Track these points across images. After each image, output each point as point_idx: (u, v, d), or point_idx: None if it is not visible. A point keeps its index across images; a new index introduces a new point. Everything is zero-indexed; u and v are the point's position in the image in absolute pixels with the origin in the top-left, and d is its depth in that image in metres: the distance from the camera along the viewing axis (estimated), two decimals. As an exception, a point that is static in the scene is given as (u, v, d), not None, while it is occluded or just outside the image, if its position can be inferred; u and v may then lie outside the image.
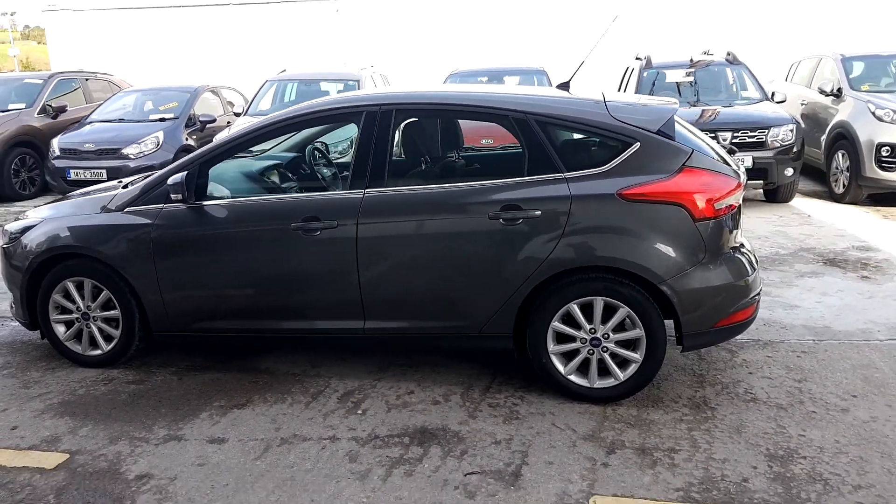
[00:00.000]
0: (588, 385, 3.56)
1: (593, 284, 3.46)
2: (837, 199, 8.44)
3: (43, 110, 10.08)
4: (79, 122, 9.84)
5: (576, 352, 3.55)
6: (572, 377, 3.56)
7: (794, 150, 7.90)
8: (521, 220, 3.45)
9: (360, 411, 3.54)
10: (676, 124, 3.82)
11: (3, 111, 9.84)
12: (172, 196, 3.70)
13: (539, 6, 13.98)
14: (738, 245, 3.58)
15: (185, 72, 13.63)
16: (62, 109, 10.20)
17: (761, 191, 8.44)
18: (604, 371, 3.54)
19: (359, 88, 9.54)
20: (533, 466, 3.02)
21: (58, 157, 9.02)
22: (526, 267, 3.47)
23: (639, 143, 3.46)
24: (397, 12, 14.04)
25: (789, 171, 7.91)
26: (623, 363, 3.52)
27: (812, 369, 3.91)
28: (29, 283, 4.06)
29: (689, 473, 2.94)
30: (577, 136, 3.71)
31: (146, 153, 8.93)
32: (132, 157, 8.86)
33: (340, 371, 3.99)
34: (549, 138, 3.54)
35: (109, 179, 8.68)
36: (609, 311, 3.48)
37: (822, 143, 8.90)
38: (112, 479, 2.98)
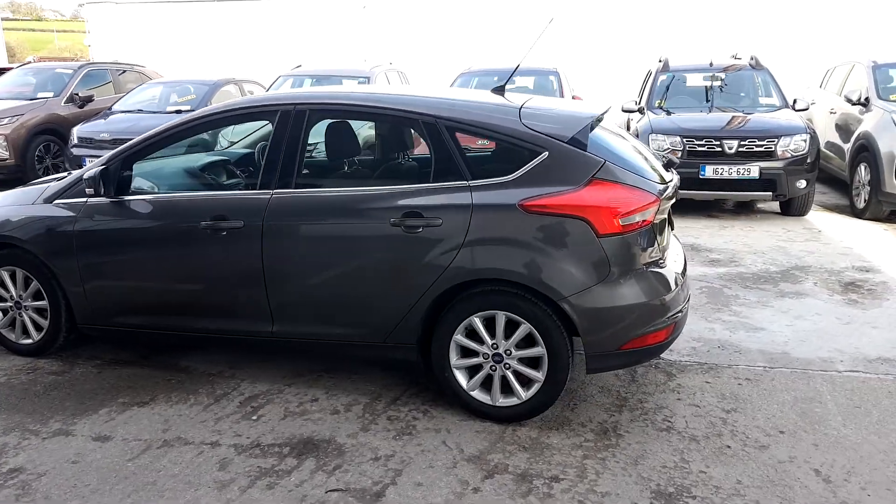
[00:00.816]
0: (490, 403, 3.39)
1: (495, 298, 3.29)
2: (858, 214, 7.90)
3: (70, 99, 10.43)
4: (102, 112, 10.13)
5: (479, 367, 3.39)
6: (475, 393, 3.40)
7: (808, 161, 7.43)
8: (421, 229, 3.30)
9: (255, 417, 3.47)
10: (606, 132, 3.62)
11: (32, 99, 10.23)
12: (87, 190, 3.71)
13: (560, 5, 13.67)
14: (655, 260, 3.33)
15: (219, 65, 13.86)
16: (89, 99, 10.53)
17: (778, 204, 7.98)
18: (508, 389, 3.37)
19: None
20: (401, 487, 2.88)
21: (76, 146, 9.29)
22: (427, 277, 3.32)
23: (547, 153, 3.27)
24: (422, 10, 13.97)
25: (801, 184, 7.44)
26: (527, 382, 3.34)
27: (748, 399, 3.62)
28: (-39, 270, 4.16)
29: (561, 506, 2.75)
30: (498, 143, 3.53)
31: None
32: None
33: (255, 374, 3.93)
34: (456, 144, 3.39)
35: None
36: (512, 327, 3.30)
37: (846, 155, 8.36)
38: (-14, 470, 3.01)
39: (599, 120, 3.67)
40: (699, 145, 7.53)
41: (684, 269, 3.77)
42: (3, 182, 8.64)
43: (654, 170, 3.57)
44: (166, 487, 2.88)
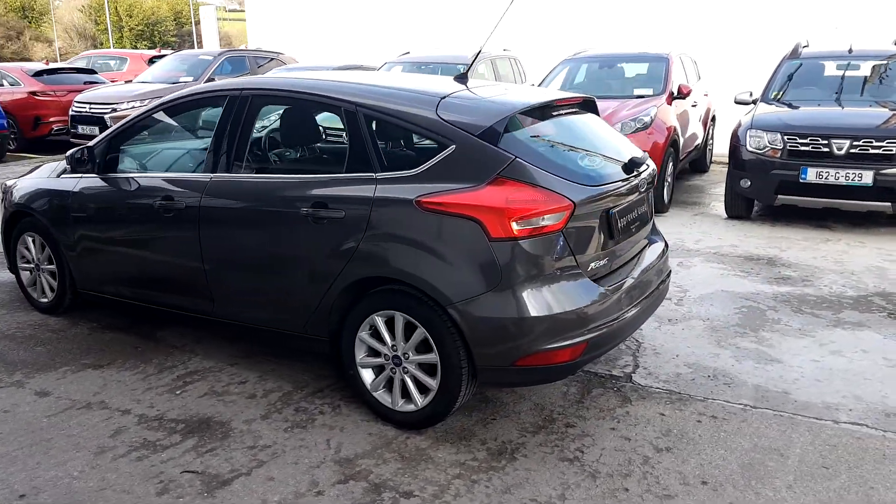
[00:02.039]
0: (391, 406, 3.27)
1: (395, 298, 3.16)
2: None
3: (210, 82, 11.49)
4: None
5: (383, 367, 3.28)
6: (379, 394, 3.30)
7: (943, 167, 6.22)
8: (325, 220, 3.25)
9: (179, 392, 3.64)
10: (557, 124, 3.34)
11: (174, 83, 11.41)
12: (67, 166, 4.09)
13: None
14: (566, 269, 2.99)
15: (370, 49, 14.33)
16: (221, 86, 11.53)
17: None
18: (409, 393, 3.23)
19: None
20: (252, 479, 2.88)
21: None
22: (331, 269, 3.27)
23: (454, 146, 3.06)
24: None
25: (931, 194, 6.26)
26: (425, 389, 3.18)
27: (694, 440, 3.15)
28: (4, 233, 4.78)
29: (392, 524, 2.60)
30: (401, 132, 3.36)
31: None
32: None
33: (211, 351, 4.11)
34: (371, 133, 3.28)
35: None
36: (412, 329, 3.15)
37: None
38: (-60, 409, 3.46)
39: (546, 109, 3.37)
40: (802, 144, 6.59)
41: (651, 275, 3.39)
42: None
43: (599, 170, 3.22)
44: (54, 446, 3.12)
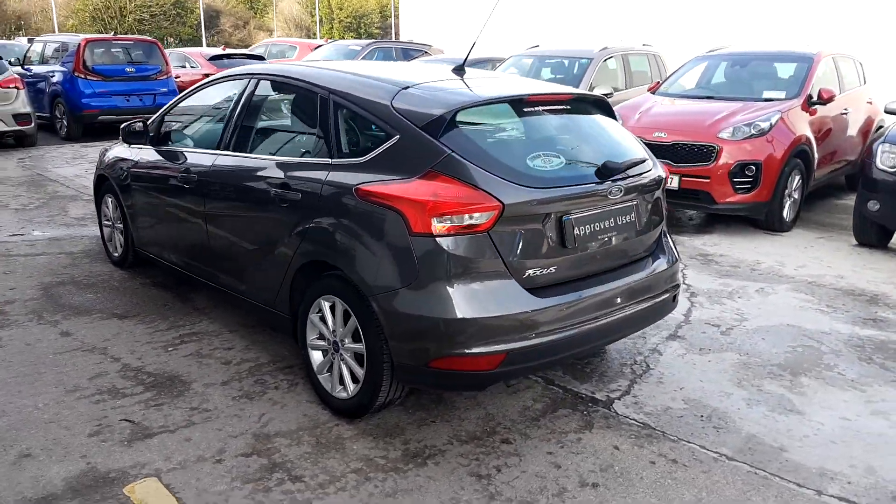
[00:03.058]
0: (329, 390, 3.30)
1: (335, 284, 3.17)
2: None
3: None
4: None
5: (328, 352, 3.31)
6: (323, 377, 3.34)
7: None
8: (287, 202, 3.34)
9: (171, 349, 3.94)
10: (530, 117, 3.18)
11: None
12: (120, 137, 4.56)
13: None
14: (494, 272, 2.80)
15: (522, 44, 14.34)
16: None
17: None
18: (355, 380, 3.22)
19: (587, 68, 9.08)
20: (173, 436, 3.05)
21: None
22: (288, 250, 3.36)
23: (398, 137, 2.99)
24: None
25: None
26: (357, 379, 3.16)
27: (631, 482, 2.83)
28: (95, 193, 5.44)
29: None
30: (360, 121, 3.30)
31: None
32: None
33: (221, 317, 4.39)
34: (336, 120, 3.30)
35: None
36: (348, 317, 3.14)
37: None
38: (-14, 335, 4.06)
39: (519, 103, 3.18)
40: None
41: (624, 292, 3.14)
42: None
43: (555, 172, 2.98)
44: (41, 379, 3.54)
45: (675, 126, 6.91)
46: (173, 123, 4.57)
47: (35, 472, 2.79)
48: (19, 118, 10.20)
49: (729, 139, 6.55)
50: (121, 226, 5.11)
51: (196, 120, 4.47)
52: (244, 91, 3.89)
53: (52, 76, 11.62)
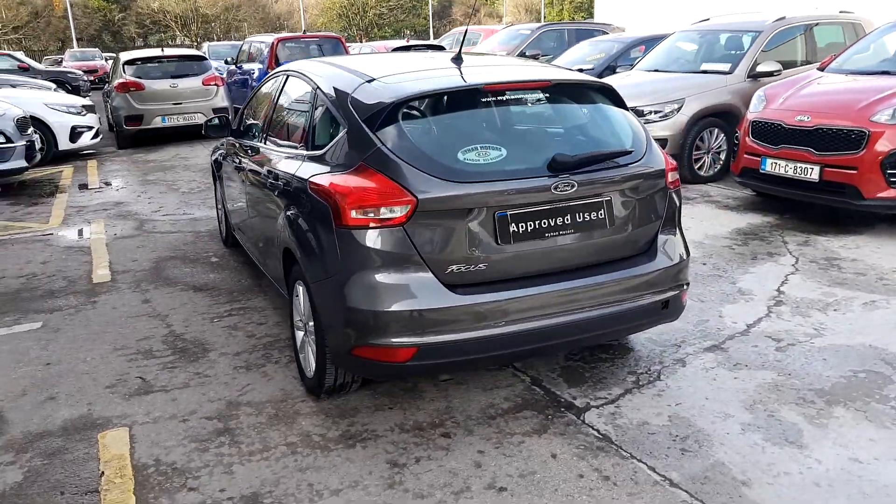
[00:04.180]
0: (304, 369, 3.58)
1: (299, 269, 3.43)
2: None
3: (520, 56, 12.21)
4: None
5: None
6: (302, 356, 3.63)
7: None
8: (277, 190, 3.66)
9: (216, 320, 4.50)
10: (496, 108, 3.19)
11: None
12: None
13: None
14: (410, 265, 2.85)
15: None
16: (535, 57, 12.12)
17: None
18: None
19: (752, 42, 8.24)
20: (165, 395, 3.55)
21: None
22: (276, 236, 3.69)
23: (346, 130, 3.16)
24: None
25: None
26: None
27: (542, 493, 2.74)
28: (213, 180, 6.29)
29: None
30: (327, 114, 3.45)
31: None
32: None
33: (272, 295, 4.88)
34: (317, 112, 3.54)
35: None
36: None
37: None
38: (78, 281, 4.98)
39: (475, 93, 3.16)
40: None
41: (581, 295, 3.07)
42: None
43: (491, 167, 2.93)
44: (101, 338, 4.27)
45: (821, 108, 6.10)
46: (245, 118, 5.15)
47: (49, 411, 3.45)
48: (218, 111, 11.86)
49: (887, 123, 5.63)
50: (222, 209, 5.87)
51: (254, 113, 4.99)
52: (277, 87, 4.29)
53: (253, 72, 13.30)
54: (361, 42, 18.92)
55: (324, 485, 2.82)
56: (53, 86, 13.64)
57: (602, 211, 3.10)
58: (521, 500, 2.70)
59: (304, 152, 3.50)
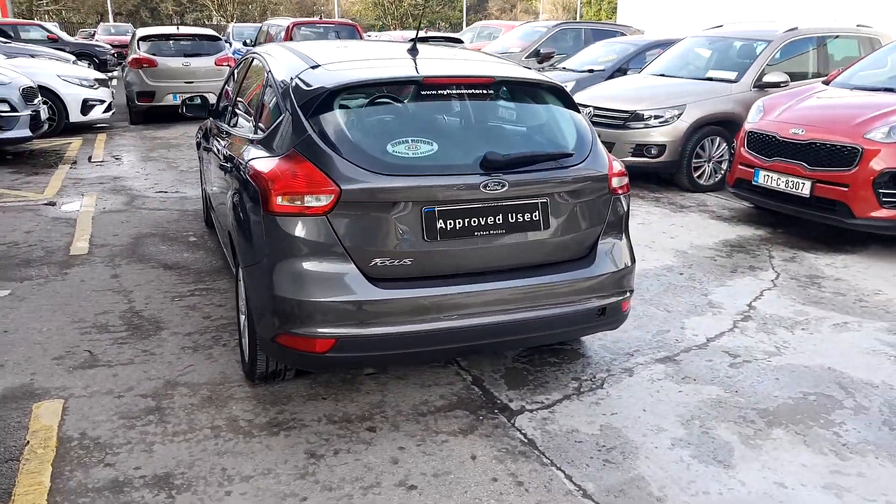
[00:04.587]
0: (243, 354, 3.60)
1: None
2: None
3: (534, 54, 12.13)
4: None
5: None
6: (243, 341, 3.62)
7: None
8: (229, 174, 3.68)
9: (178, 299, 4.54)
10: (436, 102, 3.18)
11: (504, 52, 12.33)
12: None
13: None
14: (331, 255, 2.85)
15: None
16: (549, 56, 12.03)
17: None
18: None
19: (764, 49, 8.08)
20: (109, 370, 3.59)
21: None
22: (226, 218, 3.71)
23: (284, 115, 3.17)
24: None
25: None
26: (257, 345, 3.42)
27: (451, 494, 2.73)
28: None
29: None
30: (273, 98, 3.43)
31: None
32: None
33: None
34: (263, 97, 3.56)
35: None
36: (252, 286, 3.41)
37: None
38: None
39: (414, 85, 3.14)
40: None
41: (508, 296, 3.06)
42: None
43: (420, 161, 2.92)
44: (62, 310, 4.33)
45: (816, 122, 5.97)
46: (223, 98, 5.17)
47: (-8, 379, 3.51)
48: (229, 93, 11.95)
49: (881, 141, 5.50)
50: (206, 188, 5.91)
51: (227, 94, 5.00)
52: (244, 69, 4.31)
53: (269, 56, 13.37)
54: (426, 31, 18.99)
55: (237, 470, 2.84)
56: (72, 58, 13.85)
57: (537, 213, 3.06)
58: (427, 499, 2.69)
59: (252, 136, 3.52)
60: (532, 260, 3.13)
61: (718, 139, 7.77)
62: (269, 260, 2.94)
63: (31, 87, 8.81)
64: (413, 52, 3.55)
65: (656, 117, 7.65)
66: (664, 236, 6.17)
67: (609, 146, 7.81)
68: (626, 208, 3.41)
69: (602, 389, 3.53)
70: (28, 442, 2.99)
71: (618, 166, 3.36)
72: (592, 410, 3.35)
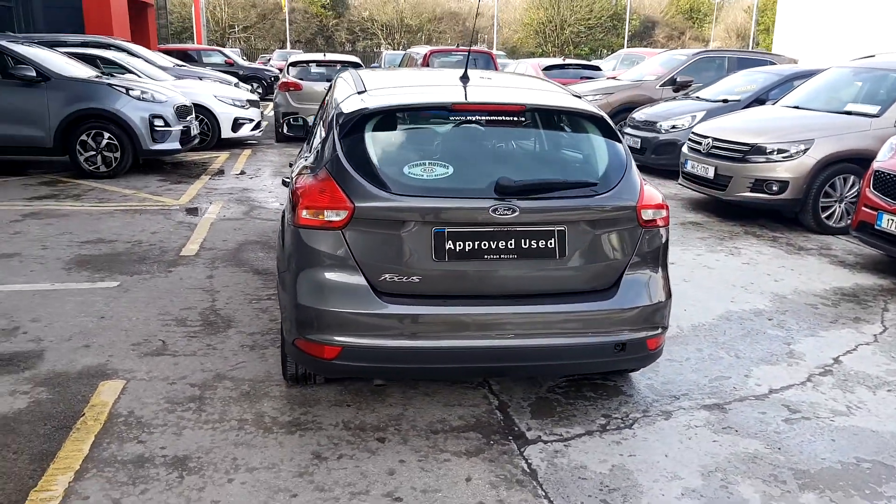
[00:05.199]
0: (289, 356, 3.85)
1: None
2: None
3: (670, 82, 11.78)
4: (681, 96, 11.14)
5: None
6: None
7: None
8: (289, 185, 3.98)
9: (256, 301, 4.91)
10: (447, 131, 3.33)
11: (639, 80, 12.07)
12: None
13: None
14: (345, 268, 3.01)
15: None
16: (686, 84, 11.62)
17: None
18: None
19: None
20: (162, 358, 3.99)
21: (632, 125, 10.76)
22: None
23: (328, 136, 3.39)
24: None
25: None
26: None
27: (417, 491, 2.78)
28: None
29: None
30: (327, 120, 3.69)
31: (678, 128, 9.73)
32: (664, 130, 9.89)
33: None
34: (325, 117, 3.79)
35: (641, 148, 10.09)
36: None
37: None
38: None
39: (435, 108, 3.27)
40: None
41: (519, 320, 3.09)
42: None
43: (434, 184, 3.04)
44: (154, 303, 4.83)
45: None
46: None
47: (78, 357, 4.00)
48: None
49: None
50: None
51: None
52: (328, 89, 4.62)
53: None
54: (564, 59, 19.25)
55: (245, 461, 3.06)
56: (234, 81, 15.27)
57: (553, 240, 3.05)
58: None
59: (307, 154, 3.78)
60: (546, 287, 3.12)
61: (853, 178, 7.16)
62: (293, 268, 3.16)
63: (185, 105, 9.87)
64: (464, 79, 3.67)
65: (780, 151, 7.19)
66: (767, 278, 5.79)
67: (726, 179, 7.48)
68: (662, 241, 3.30)
69: (629, 429, 3.42)
70: (84, 414, 3.40)
71: (654, 199, 3.26)
72: (610, 449, 3.25)
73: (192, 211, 7.59)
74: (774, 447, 3.29)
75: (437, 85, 3.66)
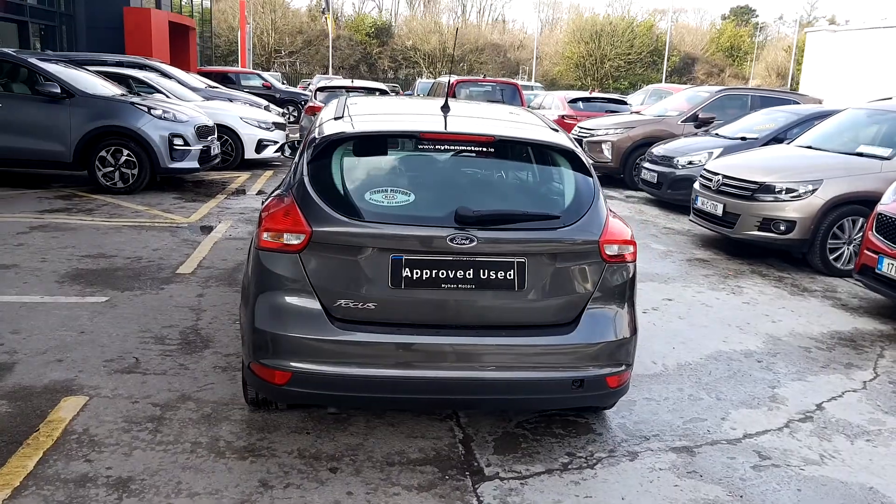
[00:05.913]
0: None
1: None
2: None
3: (691, 118, 11.61)
4: (703, 133, 10.97)
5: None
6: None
7: None
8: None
9: (234, 322, 4.87)
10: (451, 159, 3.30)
11: (659, 116, 11.93)
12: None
13: None
14: (300, 292, 2.95)
15: None
16: (708, 121, 11.44)
17: None
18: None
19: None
20: (131, 376, 3.96)
21: (650, 160, 10.62)
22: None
23: (300, 160, 3.35)
24: None
25: None
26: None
27: None
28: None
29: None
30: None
31: (695, 164, 9.56)
32: (681, 165, 9.73)
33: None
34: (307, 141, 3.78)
35: (658, 183, 9.95)
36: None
37: None
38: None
39: (411, 139, 3.22)
40: None
41: (476, 353, 3.01)
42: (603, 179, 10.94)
43: (392, 211, 2.98)
44: (137, 320, 4.82)
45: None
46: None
47: (48, 371, 3.98)
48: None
49: None
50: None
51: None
52: None
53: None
54: (591, 92, 19.32)
55: (189, 486, 2.99)
56: (265, 103, 15.48)
57: (511, 272, 2.96)
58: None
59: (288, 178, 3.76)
60: (505, 319, 3.02)
61: (861, 220, 6.93)
62: (252, 291, 3.12)
63: (206, 125, 10.00)
64: (444, 108, 3.61)
65: (788, 191, 7.00)
66: (764, 319, 5.59)
67: (734, 217, 7.31)
68: (628, 277, 3.19)
69: (591, 469, 3.28)
70: (38, 429, 3.37)
71: (620, 234, 3.15)
72: (567, 489, 3.11)
73: (199, 229, 7.65)
74: (736, 495, 3.12)
75: (416, 114, 3.63)
